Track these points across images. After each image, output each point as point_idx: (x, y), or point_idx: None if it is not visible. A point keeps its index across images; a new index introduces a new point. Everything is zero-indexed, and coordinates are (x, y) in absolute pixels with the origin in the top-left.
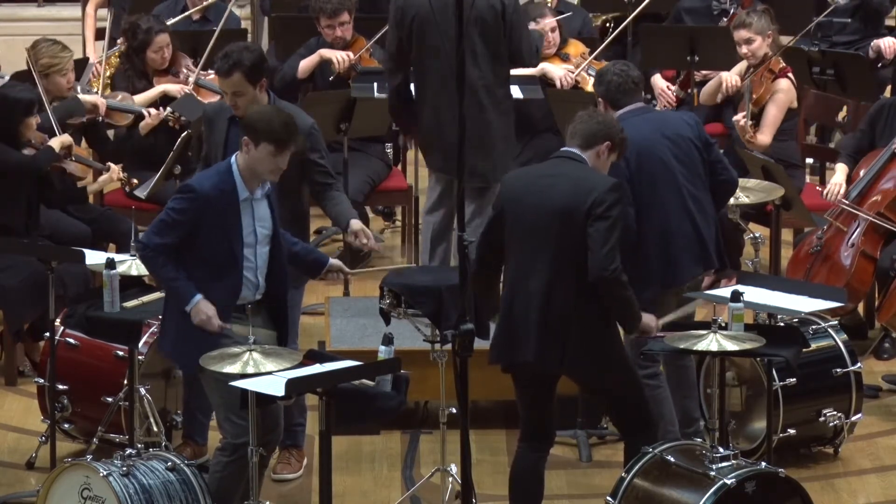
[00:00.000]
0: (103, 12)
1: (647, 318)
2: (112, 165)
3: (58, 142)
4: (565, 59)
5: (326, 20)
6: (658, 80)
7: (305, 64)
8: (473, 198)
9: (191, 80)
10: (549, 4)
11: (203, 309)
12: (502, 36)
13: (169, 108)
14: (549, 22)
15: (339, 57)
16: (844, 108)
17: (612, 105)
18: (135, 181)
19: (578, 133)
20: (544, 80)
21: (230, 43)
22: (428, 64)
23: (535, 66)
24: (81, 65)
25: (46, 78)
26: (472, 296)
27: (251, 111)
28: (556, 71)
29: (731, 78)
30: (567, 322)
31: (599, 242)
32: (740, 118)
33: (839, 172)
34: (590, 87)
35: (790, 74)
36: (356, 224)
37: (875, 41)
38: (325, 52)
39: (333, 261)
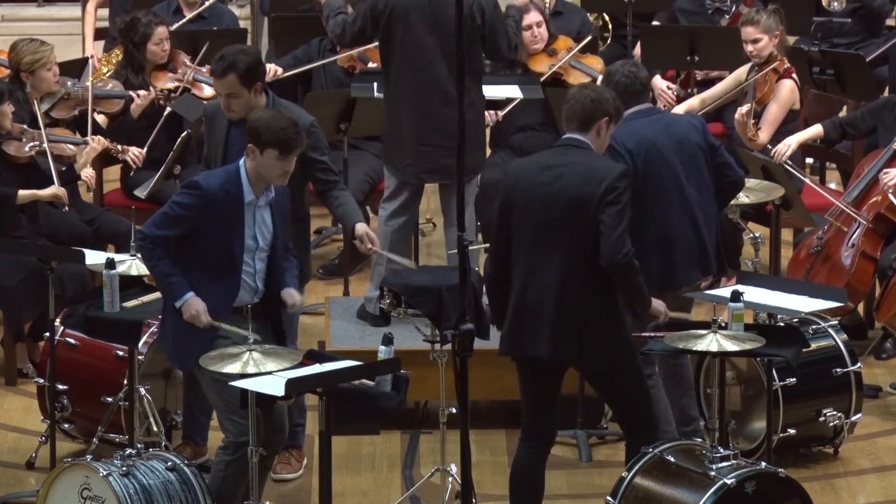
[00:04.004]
0: (103, 12)
1: (657, 304)
2: (94, 137)
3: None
4: (552, 54)
5: None
6: (658, 81)
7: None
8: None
9: (188, 75)
10: (549, 4)
11: (193, 305)
12: (477, 36)
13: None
14: (534, 17)
15: None
16: (844, 108)
17: None
18: (130, 149)
19: (575, 116)
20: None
21: (227, 42)
22: (406, 65)
23: (514, 58)
24: (81, 64)
25: (33, 75)
26: (475, 296)
27: (253, 117)
28: None
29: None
30: (583, 315)
31: (611, 227)
32: (743, 114)
33: (808, 130)
34: (574, 80)
35: (794, 75)
36: (361, 228)
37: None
38: None
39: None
